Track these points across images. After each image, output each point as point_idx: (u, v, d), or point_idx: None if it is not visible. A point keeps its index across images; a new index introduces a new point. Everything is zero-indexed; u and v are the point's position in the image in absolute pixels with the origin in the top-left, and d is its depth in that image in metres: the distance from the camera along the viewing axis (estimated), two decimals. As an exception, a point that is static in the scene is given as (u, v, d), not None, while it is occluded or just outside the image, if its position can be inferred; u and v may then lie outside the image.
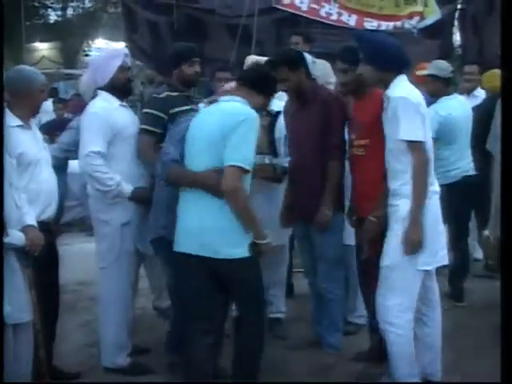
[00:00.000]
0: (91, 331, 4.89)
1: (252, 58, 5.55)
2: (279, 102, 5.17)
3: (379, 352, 4.41)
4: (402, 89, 4.09)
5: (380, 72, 4.15)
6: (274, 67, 4.67)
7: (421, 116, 4.03)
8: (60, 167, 4.79)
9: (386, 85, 4.16)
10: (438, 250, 4.09)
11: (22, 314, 3.67)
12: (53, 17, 25.27)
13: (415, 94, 4.11)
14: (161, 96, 4.73)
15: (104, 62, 4.74)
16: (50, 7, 25.10)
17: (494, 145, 4.74)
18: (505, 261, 3.42)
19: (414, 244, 3.95)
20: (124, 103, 4.75)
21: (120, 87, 4.68)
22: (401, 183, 4.04)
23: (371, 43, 4.25)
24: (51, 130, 5.59)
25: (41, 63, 21.65)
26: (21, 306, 3.66)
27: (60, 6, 25.01)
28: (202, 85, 6.11)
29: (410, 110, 3.99)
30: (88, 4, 25.33)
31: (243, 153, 3.76)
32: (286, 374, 4.56)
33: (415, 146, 3.98)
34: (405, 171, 4.02)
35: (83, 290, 6.31)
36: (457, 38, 11.61)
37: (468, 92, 6.82)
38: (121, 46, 15.77)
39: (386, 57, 4.13)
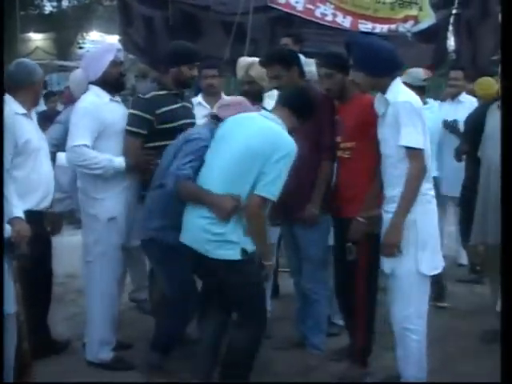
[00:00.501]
0: (77, 324, 4.88)
1: (244, 60, 5.54)
2: (271, 101, 5.19)
3: (360, 351, 4.51)
4: (402, 93, 4.09)
5: (373, 78, 4.14)
6: (267, 64, 4.70)
7: (422, 122, 4.01)
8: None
9: (381, 90, 4.15)
10: (439, 253, 4.17)
11: (5, 306, 3.64)
12: (48, 8, 25.13)
13: (416, 100, 4.10)
14: (146, 97, 4.69)
15: (96, 56, 4.76)
16: (46, -3, 25.03)
17: (485, 152, 4.75)
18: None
19: (392, 248, 4.00)
20: (115, 98, 4.74)
21: (112, 82, 4.68)
22: (399, 190, 4.02)
23: (362, 49, 4.22)
24: (42, 122, 5.56)
25: (34, 54, 21.60)
26: (6, 297, 3.63)
27: (55, -4, 24.93)
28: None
29: (411, 115, 3.98)
30: (83, -4, 25.28)
31: (277, 186, 3.87)
32: (270, 374, 4.58)
33: (415, 154, 3.96)
34: (402, 177, 4.00)
35: (71, 282, 6.31)
36: (451, 42, 11.63)
37: (452, 97, 6.84)
38: (114, 40, 15.79)
39: (378, 62, 4.11)
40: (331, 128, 4.65)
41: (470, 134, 5.64)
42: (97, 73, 4.65)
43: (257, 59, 5.12)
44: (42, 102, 10.86)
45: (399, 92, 4.09)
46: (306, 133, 4.60)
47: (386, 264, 4.14)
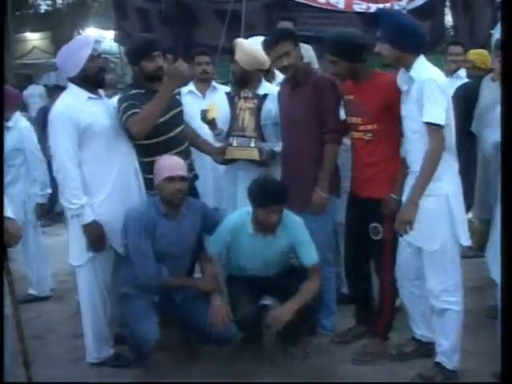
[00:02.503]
0: (79, 322, 4.84)
1: (240, 41, 5.45)
2: (269, 84, 5.15)
3: (385, 326, 4.63)
4: (426, 70, 4.07)
5: (399, 52, 4.09)
6: (279, 41, 4.57)
7: (445, 99, 4.00)
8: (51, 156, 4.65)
9: (405, 65, 4.13)
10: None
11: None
12: (43, 7, 25.13)
13: (440, 76, 4.09)
14: (131, 92, 4.59)
15: (72, 52, 4.44)
16: (40, -4, 25.01)
17: (479, 126, 4.69)
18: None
19: (406, 225, 3.99)
20: (95, 95, 4.50)
21: (91, 77, 4.43)
22: None
23: (392, 22, 4.17)
24: (44, 117, 5.52)
25: (32, 53, 21.55)
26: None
27: (50, -5, 24.90)
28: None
29: (435, 92, 3.96)
30: (78, -7, 25.24)
31: None
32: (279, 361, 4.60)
33: (434, 130, 3.95)
34: None
35: (73, 280, 6.25)
36: (449, 19, 11.57)
37: (452, 73, 6.76)
38: (110, 35, 15.76)
39: (406, 36, 4.08)
40: (334, 111, 4.59)
41: (463, 109, 5.58)
42: (74, 69, 4.40)
43: (241, 40, 5.10)
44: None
45: (423, 69, 4.08)
46: (308, 118, 4.57)
47: (417, 238, 4.15)
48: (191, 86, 5.68)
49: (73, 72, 4.42)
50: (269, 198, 4.29)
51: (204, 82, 5.68)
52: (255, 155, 4.79)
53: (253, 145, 4.79)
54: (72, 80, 4.46)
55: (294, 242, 4.51)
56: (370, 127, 4.42)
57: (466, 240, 4.13)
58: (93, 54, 4.41)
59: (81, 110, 4.36)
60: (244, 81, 5.01)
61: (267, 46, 4.65)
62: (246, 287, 4.58)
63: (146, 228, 4.27)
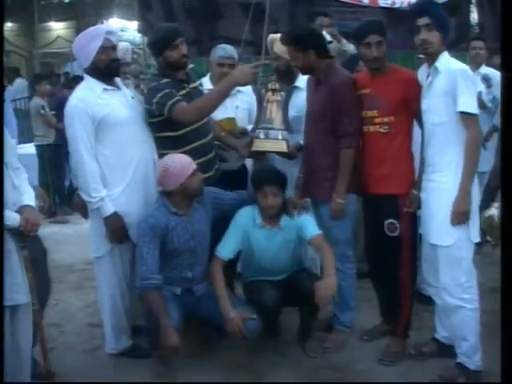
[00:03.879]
0: (97, 311, 4.87)
1: (269, 37, 5.39)
2: (304, 77, 5.06)
3: (405, 325, 4.59)
4: (454, 62, 4.10)
5: (444, 40, 4.12)
6: (284, 44, 4.60)
7: (476, 90, 4.06)
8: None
9: (436, 57, 4.11)
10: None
11: (19, 296, 3.59)
12: (68, -4, 25.25)
13: (468, 69, 4.12)
14: (161, 82, 4.52)
15: (84, 43, 4.39)
16: (65, -14, 25.08)
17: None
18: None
19: (464, 215, 3.99)
20: (111, 86, 4.45)
21: (103, 69, 4.38)
22: (449, 158, 4.06)
23: (442, 12, 4.19)
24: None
25: (56, 43, 21.70)
26: (18, 287, 3.58)
27: (75, -15, 24.96)
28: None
29: (469, 82, 4.00)
30: (103, -17, 25.27)
31: None
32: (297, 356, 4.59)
33: (473, 119, 3.98)
34: (454, 145, 4.04)
35: (91, 269, 6.27)
36: (474, 16, 11.46)
37: (473, 70, 6.65)
38: (133, 26, 15.77)
39: (449, 29, 4.16)
40: (354, 114, 4.51)
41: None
42: (86, 60, 4.37)
43: (278, 35, 4.94)
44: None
45: (450, 61, 4.10)
46: (325, 116, 4.52)
47: (433, 235, 4.16)
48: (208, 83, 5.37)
49: (85, 63, 4.40)
50: (262, 179, 4.49)
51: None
52: (283, 147, 4.74)
53: (280, 137, 4.75)
54: (87, 71, 4.44)
55: (298, 225, 4.54)
56: (386, 119, 4.40)
57: (475, 236, 4.10)
58: (104, 46, 4.34)
59: (96, 102, 4.31)
60: (291, 73, 5.00)
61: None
62: (265, 284, 4.58)
63: (153, 230, 4.27)
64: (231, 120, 5.06)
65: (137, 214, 4.40)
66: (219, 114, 4.97)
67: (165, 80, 4.54)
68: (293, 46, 4.53)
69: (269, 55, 5.35)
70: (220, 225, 4.61)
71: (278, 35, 5.01)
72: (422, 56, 4.98)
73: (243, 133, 5.04)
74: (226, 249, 4.57)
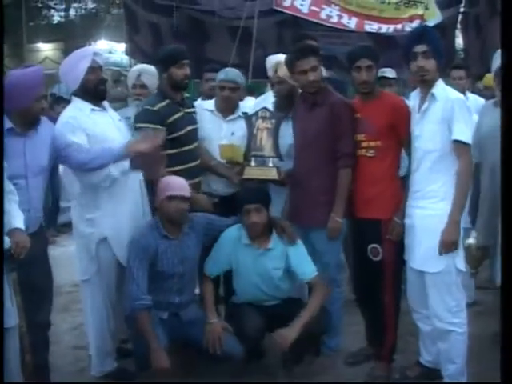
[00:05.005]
0: (83, 334, 4.86)
1: (271, 60, 5.34)
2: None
3: (390, 349, 4.58)
4: (451, 90, 4.15)
5: (438, 68, 4.15)
6: (302, 57, 4.53)
7: (471, 119, 4.11)
8: (53, 168, 4.65)
9: (431, 84, 4.14)
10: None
11: (7, 319, 3.57)
12: (56, 18, 25.32)
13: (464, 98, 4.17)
14: (155, 108, 4.64)
15: (71, 64, 4.42)
16: (53, 8, 25.15)
17: (479, 153, 4.68)
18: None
19: (452, 245, 4.00)
20: (99, 107, 4.48)
21: (91, 89, 4.40)
22: (439, 185, 4.08)
23: (439, 40, 4.25)
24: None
25: (43, 64, 21.66)
26: (6, 310, 3.56)
27: (63, 6, 25.03)
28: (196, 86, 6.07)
29: (466, 111, 4.04)
30: (91, 5, 25.36)
31: None
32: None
33: (466, 149, 4.01)
34: (445, 172, 4.06)
35: (78, 291, 6.26)
36: (460, 41, 11.56)
37: None
38: (121, 48, 15.79)
39: (445, 56, 4.20)
40: (351, 135, 4.54)
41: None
42: (75, 81, 4.39)
43: (282, 59, 4.91)
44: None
45: (447, 89, 4.15)
46: (323, 139, 4.55)
47: (419, 262, 4.17)
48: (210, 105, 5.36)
49: (74, 85, 4.41)
50: (244, 197, 4.49)
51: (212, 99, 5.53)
52: (274, 174, 4.76)
53: (271, 164, 4.78)
54: (75, 93, 4.45)
55: (288, 256, 4.51)
56: (373, 144, 4.43)
57: (461, 265, 4.12)
58: (92, 66, 4.39)
59: (85, 120, 4.33)
60: (292, 98, 4.96)
61: (295, 59, 4.60)
62: (248, 308, 4.58)
63: (144, 251, 4.28)
64: (230, 147, 5.00)
65: (122, 235, 4.40)
66: (214, 141, 5.02)
67: (165, 102, 4.67)
68: (315, 57, 4.54)
69: (258, 78, 5.38)
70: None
71: (280, 59, 5.02)
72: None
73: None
74: (212, 266, 4.59)
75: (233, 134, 5.11)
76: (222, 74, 5.14)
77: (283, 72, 4.89)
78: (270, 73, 5.29)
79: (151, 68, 5.77)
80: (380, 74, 5.45)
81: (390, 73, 5.98)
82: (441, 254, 4.03)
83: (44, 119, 4.22)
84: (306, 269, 4.49)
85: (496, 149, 4.24)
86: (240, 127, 5.07)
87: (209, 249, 4.63)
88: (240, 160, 4.88)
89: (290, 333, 4.25)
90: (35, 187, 4.07)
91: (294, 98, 4.96)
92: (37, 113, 4.02)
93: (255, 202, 4.43)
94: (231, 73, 5.15)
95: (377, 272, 4.46)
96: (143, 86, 5.53)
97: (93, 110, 4.42)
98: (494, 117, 4.40)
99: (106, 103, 4.60)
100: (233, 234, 4.57)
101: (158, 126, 4.58)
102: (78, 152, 4.21)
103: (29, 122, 4.02)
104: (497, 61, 4.47)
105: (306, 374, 4.61)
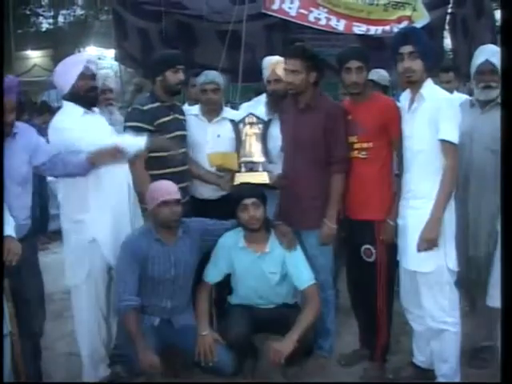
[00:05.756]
0: (76, 341, 4.84)
1: (270, 60, 5.35)
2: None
3: (383, 350, 4.65)
4: (439, 90, 4.19)
5: (425, 69, 4.19)
6: (288, 56, 4.57)
7: (458, 119, 4.10)
8: (41, 176, 4.65)
9: (418, 83, 4.18)
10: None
11: None
12: (44, 25, 25.22)
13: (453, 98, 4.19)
14: (144, 108, 4.70)
15: (64, 69, 4.49)
16: (42, 15, 25.07)
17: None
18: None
19: (430, 242, 4.04)
20: (91, 111, 4.53)
21: (82, 96, 4.45)
22: (430, 185, 4.09)
23: (426, 40, 4.29)
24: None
25: (33, 71, 21.62)
26: None
27: (51, 13, 24.95)
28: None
29: (453, 111, 4.08)
30: (79, 12, 25.31)
31: None
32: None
33: (452, 148, 4.04)
34: (435, 172, 4.08)
35: (69, 299, 6.23)
36: (448, 42, 11.57)
37: None
38: (111, 54, 15.77)
39: (433, 55, 4.28)
40: (345, 140, 4.56)
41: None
42: (65, 87, 4.46)
43: (281, 58, 4.94)
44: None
45: (435, 88, 4.19)
46: (316, 143, 4.56)
47: (412, 262, 4.20)
48: (191, 108, 5.48)
49: (64, 89, 4.45)
50: (241, 193, 4.52)
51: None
52: (265, 179, 4.80)
53: (261, 169, 4.80)
54: (65, 97, 4.48)
55: (285, 261, 4.52)
56: (365, 145, 4.46)
57: (454, 265, 4.14)
58: (84, 73, 4.42)
59: (75, 124, 4.34)
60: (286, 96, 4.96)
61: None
62: (241, 312, 4.58)
63: (134, 254, 4.30)
64: (222, 155, 5.00)
65: (112, 237, 4.42)
66: (200, 145, 5.07)
67: (156, 104, 4.75)
68: (299, 60, 4.50)
69: (248, 82, 5.37)
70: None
71: (279, 58, 5.06)
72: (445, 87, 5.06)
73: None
74: (211, 273, 4.59)
75: (219, 136, 5.15)
76: (202, 77, 5.19)
77: (281, 71, 4.92)
78: (266, 72, 5.28)
79: (111, 72, 6.05)
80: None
81: (381, 79, 5.98)
82: (419, 251, 4.05)
83: (24, 126, 4.22)
84: (303, 276, 4.50)
85: (467, 150, 4.27)
86: (226, 129, 5.13)
87: (208, 256, 4.64)
88: (234, 167, 4.88)
89: (284, 347, 4.26)
90: (17, 195, 4.06)
91: (287, 97, 4.98)
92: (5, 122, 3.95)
93: (252, 196, 4.45)
94: (211, 74, 5.20)
95: (370, 273, 4.47)
96: (110, 90, 5.55)
97: (85, 112, 4.46)
98: (468, 116, 4.41)
99: (96, 110, 4.65)
100: (230, 238, 4.59)
101: (147, 126, 4.63)
102: (53, 163, 4.23)
103: (4, 133, 3.99)
104: (477, 59, 4.46)
105: (299, 375, 4.62)
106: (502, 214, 3.71)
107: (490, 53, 4.45)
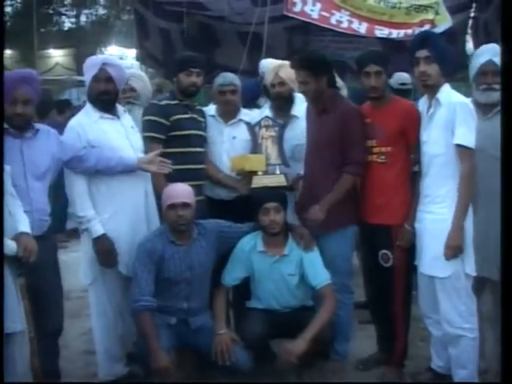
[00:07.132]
0: (92, 339, 4.86)
1: (273, 62, 5.44)
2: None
3: (401, 355, 4.62)
4: (455, 95, 4.13)
5: (442, 73, 4.15)
6: (295, 68, 4.57)
7: (474, 124, 4.04)
8: (59, 174, 4.66)
9: (434, 88, 4.15)
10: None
11: (14, 324, 3.60)
12: (67, 24, 25.40)
13: (469, 102, 4.12)
14: (161, 103, 4.77)
15: (85, 70, 4.51)
16: (64, 14, 25.24)
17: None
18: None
19: (457, 249, 4.01)
20: (108, 115, 4.51)
21: (95, 98, 4.48)
22: (447, 189, 4.07)
23: (444, 44, 4.25)
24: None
25: (54, 70, 21.79)
26: (13, 315, 3.59)
27: (74, 13, 25.12)
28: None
29: (469, 116, 4.01)
30: (101, 11, 25.45)
31: None
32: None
33: (468, 153, 3.99)
34: (452, 177, 4.04)
35: (87, 297, 6.26)
36: (470, 46, 11.50)
37: None
38: (132, 54, 15.84)
39: (451, 61, 4.21)
40: (361, 143, 4.54)
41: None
42: (87, 88, 4.52)
43: (287, 62, 4.96)
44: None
45: (451, 93, 4.14)
46: (332, 145, 4.55)
47: (428, 267, 4.18)
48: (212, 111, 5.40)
49: (87, 90, 4.51)
50: (262, 197, 4.51)
51: None
52: (282, 181, 4.80)
53: (278, 172, 4.80)
54: (88, 98, 4.55)
55: (303, 261, 4.51)
56: (384, 149, 4.44)
57: (471, 270, 4.10)
58: (97, 75, 4.41)
59: (90, 127, 4.39)
60: (291, 101, 5.05)
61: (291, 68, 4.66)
62: (259, 314, 4.58)
63: (150, 255, 4.31)
64: (243, 158, 4.99)
65: (123, 241, 4.45)
66: (216, 145, 5.09)
67: (174, 101, 4.83)
68: (306, 71, 4.50)
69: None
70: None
71: (285, 62, 5.05)
72: None
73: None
74: (229, 276, 4.59)
75: (234, 137, 5.16)
76: (220, 79, 5.18)
77: (285, 74, 4.96)
78: (269, 76, 5.26)
79: (139, 72, 6.04)
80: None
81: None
82: (447, 259, 4.02)
83: (45, 126, 4.27)
84: (319, 276, 4.48)
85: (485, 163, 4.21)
86: (242, 131, 5.14)
87: (226, 258, 4.65)
88: (263, 169, 4.87)
89: (297, 347, 4.24)
90: (36, 190, 4.08)
91: (292, 100, 5.08)
92: (13, 115, 3.98)
93: (274, 200, 4.45)
94: (229, 76, 5.20)
95: (388, 278, 4.45)
96: (132, 90, 5.57)
97: (101, 117, 4.47)
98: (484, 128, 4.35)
99: (119, 110, 4.64)
100: (248, 242, 4.58)
101: (162, 120, 4.71)
102: (86, 158, 4.28)
103: (18, 126, 4.03)
104: (479, 59, 4.32)
105: (315, 378, 4.61)
106: (502, 218, 3.67)
107: (493, 52, 4.27)
